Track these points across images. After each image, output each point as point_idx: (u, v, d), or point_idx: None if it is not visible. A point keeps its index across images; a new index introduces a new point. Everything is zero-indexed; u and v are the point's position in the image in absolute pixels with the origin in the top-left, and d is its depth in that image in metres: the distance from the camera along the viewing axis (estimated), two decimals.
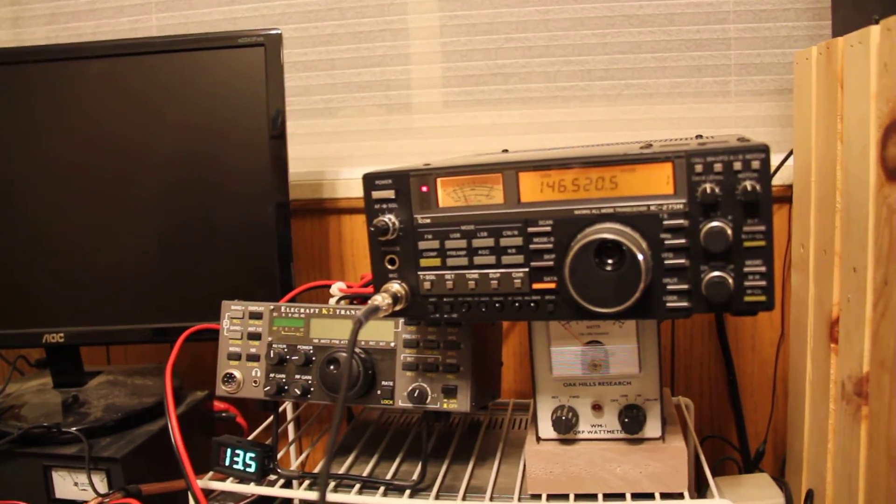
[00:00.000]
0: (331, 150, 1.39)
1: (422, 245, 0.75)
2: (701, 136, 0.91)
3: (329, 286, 1.05)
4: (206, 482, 0.89)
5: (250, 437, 0.97)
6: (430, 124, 1.35)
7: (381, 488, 0.88)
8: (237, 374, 0.92)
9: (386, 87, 1.36)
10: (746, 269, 0.67)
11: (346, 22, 1.35)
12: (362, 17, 1.34)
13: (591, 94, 1.29)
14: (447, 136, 1.35)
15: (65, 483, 1.01)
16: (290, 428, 1.12)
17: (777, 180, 1.16)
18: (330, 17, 1.36)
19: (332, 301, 1.03)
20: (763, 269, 0.67)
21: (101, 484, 0.99)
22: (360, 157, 1.38)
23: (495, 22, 1.30)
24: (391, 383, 0.87)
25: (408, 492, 0.86)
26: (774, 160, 1.14)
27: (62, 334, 1.14)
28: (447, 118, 1.35)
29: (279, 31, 1.10)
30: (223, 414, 1.23)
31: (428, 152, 1.35)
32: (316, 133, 1.39)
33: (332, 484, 0.89)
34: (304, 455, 1.03)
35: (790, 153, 1.12)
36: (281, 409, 1.10)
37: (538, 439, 0.85)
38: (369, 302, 0.72)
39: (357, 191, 1.30)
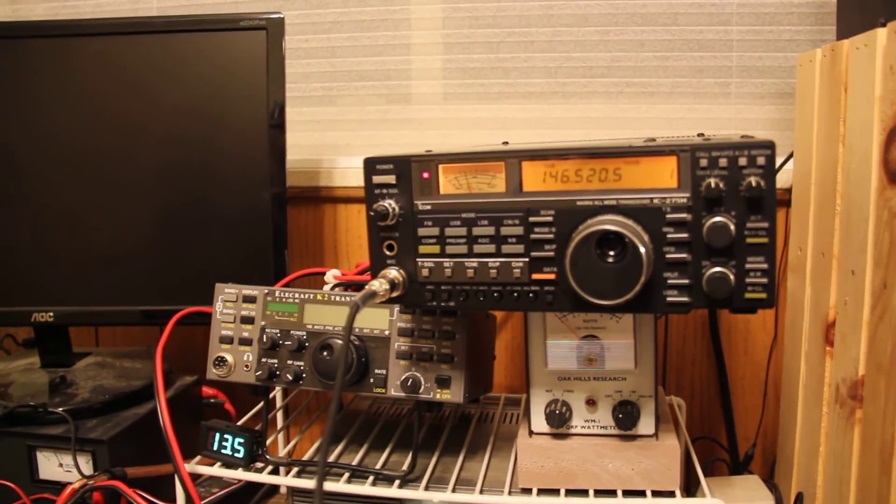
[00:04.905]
0: (329, 139, 1.38)
1: (421, 231, 0.75)
2: (703, 135, 0.90)
3: (323, 273, 1.04)
4: (194, 466, 0.88)
5: (239, 423, 0.97)
6: (429, 116, 1.35)
7: (371, 477, 0.87)
8: (229, 357, 0.91)
9: (386, 77, 1.35)
10: (748, 266, 0.67)
11: (348, 10, 1.34)
12: (365, 5, 1.34)
13: (591, 90, 1.29)
14: (446, 128, 1.34)
15: (49, 464, 1.00)
16: (279, 415, 1.11)
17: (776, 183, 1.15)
18: (332, 4, 1.35)
19: (327, 288, 1.02)
20: (765, 265, 0.66)
21: (86, 466, 0.98)
22: (357, 146, 1.37)
23: (498, 15, 1.30)
24: (384, 371, 0.86)
25: (398, 482, 0.86)
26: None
27: (52, 314, 1.13)
28: (447, 110, 1.34)
29: (282, 15, 1.09)
30: (212, 400, 1.22)
31: (426, 144, 1.34)
32: (314, 121, 1.38)
33: None
34: (292, 443, 1.03)
35: (790, 155, 1.12)
36: (270, 396, 1.09)
37: (530, 433, 0.85)
38: (366, 287, 0.71)
39: (353, 180, 1.29)
